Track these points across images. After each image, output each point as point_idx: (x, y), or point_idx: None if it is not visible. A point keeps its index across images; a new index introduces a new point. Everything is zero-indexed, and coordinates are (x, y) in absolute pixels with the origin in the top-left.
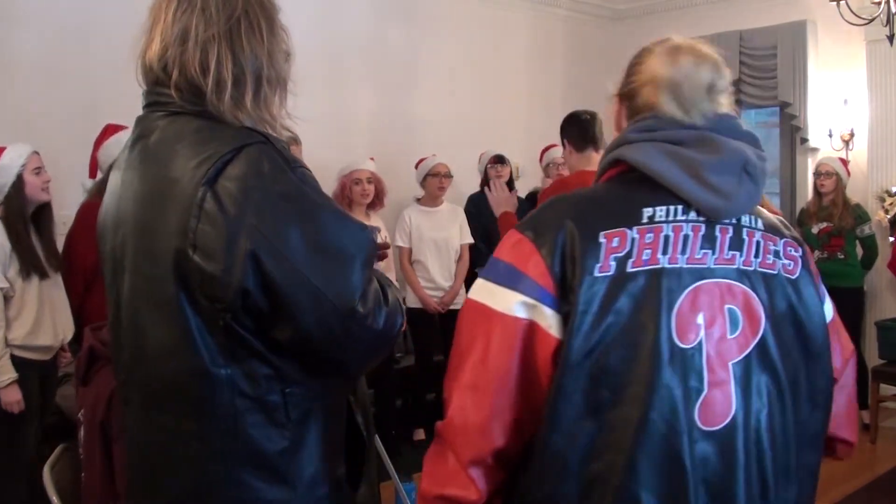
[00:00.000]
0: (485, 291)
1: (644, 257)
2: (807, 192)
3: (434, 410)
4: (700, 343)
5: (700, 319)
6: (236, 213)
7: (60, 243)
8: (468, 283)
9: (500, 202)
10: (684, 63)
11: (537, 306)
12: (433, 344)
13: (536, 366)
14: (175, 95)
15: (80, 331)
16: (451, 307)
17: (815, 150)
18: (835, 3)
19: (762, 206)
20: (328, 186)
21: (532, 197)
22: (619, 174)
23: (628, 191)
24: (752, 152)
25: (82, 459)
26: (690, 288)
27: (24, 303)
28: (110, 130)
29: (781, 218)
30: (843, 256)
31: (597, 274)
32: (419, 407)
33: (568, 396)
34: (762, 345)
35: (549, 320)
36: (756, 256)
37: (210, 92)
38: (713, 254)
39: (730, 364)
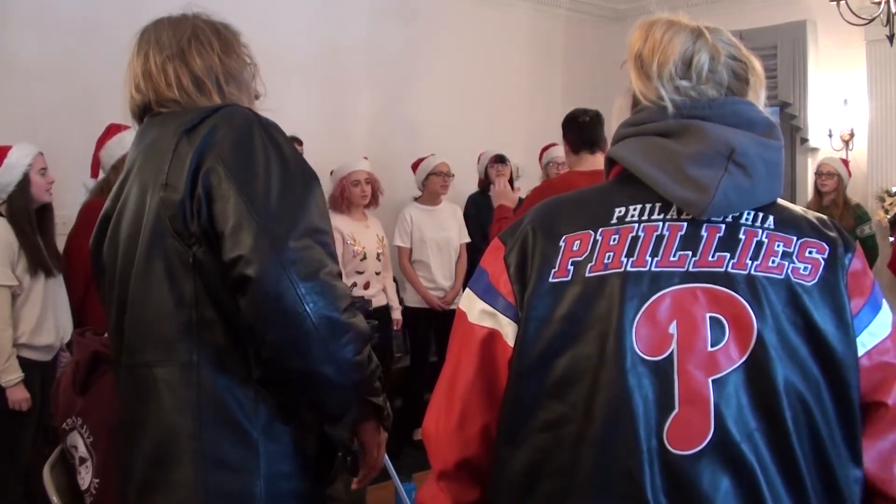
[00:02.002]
0: (465, 298)
1: (605, 260)
2: (807, 192)
3: None
4: (671, 355)
5: (672, 328)
6: (200, 146)
7: (60, 243)
8: (466, 280)
9: (499, 195)
10: (655, 33)
11: (496, 315)
12: (428, 344)
13: (500, 375)
14: (159, 110)
15: None
16: (451, 306)
17: (815, 150)
18: (835, 3)
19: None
20: (327, 187)
21: None
22: (618, 173)
23: (614, 191)
24: (748, 140)
25: (97, 466)
26: (660, 294)
27: (29, 301)
28: (112, 130)
29: (823, 217)
30: None
31: (551, 280)
32: (418, 407)
33: (518, 407)
34: (755, 360)
35: (505, 329)
36: (753, 259)
37: (181, 100)
38: (694, 256)
39: (710, 379)
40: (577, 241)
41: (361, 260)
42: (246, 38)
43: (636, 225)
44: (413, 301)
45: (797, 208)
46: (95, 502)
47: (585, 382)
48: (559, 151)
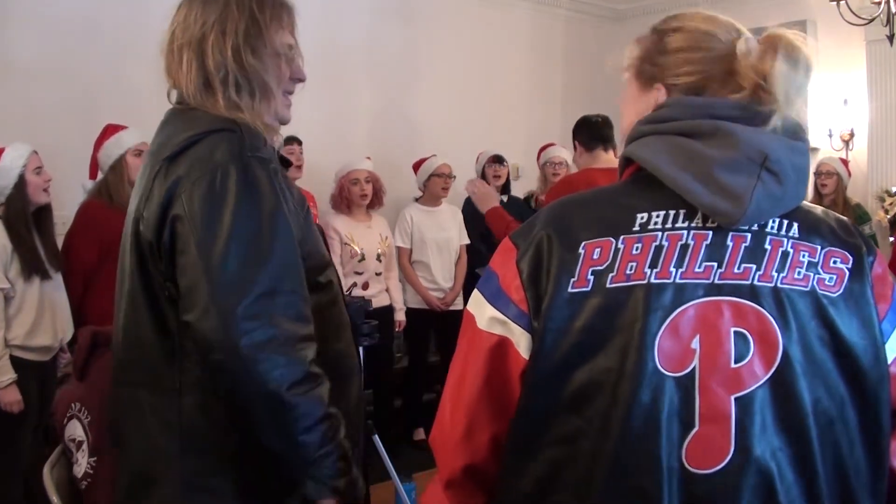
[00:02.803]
0: (473, 301)
1: (627, 271)
2: (807, 193)
3: (431, 410)
4: (693, 371)
5: (695, 344)
6: (172, 185)
7: (59, 243)
8: (468, 283)
9: (484, 198)
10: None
11: (507, 323)
12: (428, 344)
13: (511, 385)
14: (171, 98)
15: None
16: (451, 307)
17: (815, 150)
18: (835, 3)
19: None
20: (327, 187)
21: (529, 199)
22: (633, 173)
23: (631, 193)
24: (780, 146)
25: (92, 445)
26: (684, 307)
27: (24, 303)
28: (110, 131)
29: (842, 220)
30: None
31: (570, 289)
32: (417, 407)
33: (531, 420)
34: (780, 376)
35: (518, 339)
36: (779, 270)
37: (186, 93)
38: (719, 267)
39: (732, 397)
40: (598, 249)
41: (360, 261)
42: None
43: (659, 233)
44: (413, 301)
45: (818, 210)
46: (92, 483)
47: (603, 397)
48: (556, 151)
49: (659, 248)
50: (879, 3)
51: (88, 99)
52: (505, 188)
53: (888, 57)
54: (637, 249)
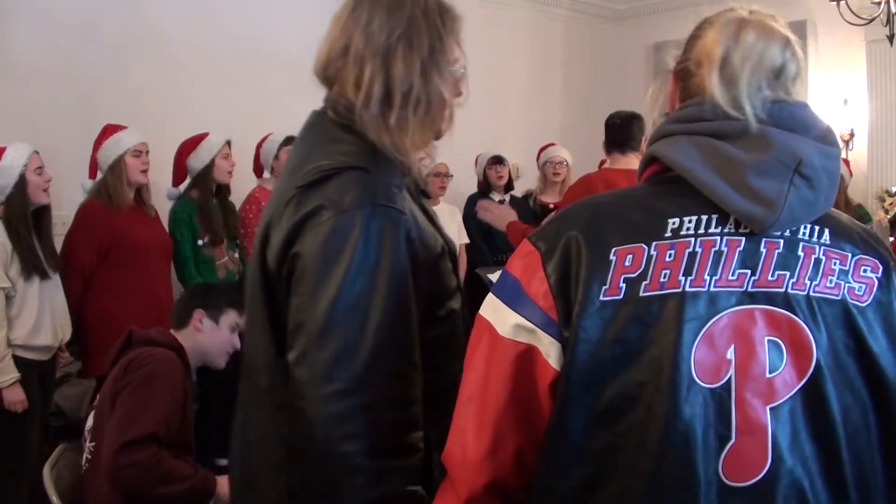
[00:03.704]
0: (489, 307)
1: (661, 279)
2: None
3: None
4: (729, 382)
5: (730, 354)
6: (300, 221)
7: (59, 244)
8: (468, 282)
9: (500, 218)
10: (748, 39)
11: (535, 332)
12: None
13: (538, 396)
14: (330, 107)
15: (77, 331)
16: None
17: None
18: (835, 3)
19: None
20: None
21: (528, 198)
22: (656, 173)
23: (658, 196)
24: (813, 150)
25: (93, 430)
26: (719, 316)
27: (25, 303)
28: (109, 131)
29: (867, 228)
30: None
31: (602, 297)
32: None
33: (563, 435)
34: (813, 385)
35: (547, 348)
36: (812, 278)
37: (359, 108)
38: (753, 275)
39: (767, 408)
40: (630, 256)
41: None
42: (247, 38)
43: (692, 239)
44: None
45: (844, 217)
46: (89, 468)
47: (637, 411)
48: (556, 151)
49: (693, 255)
50: (879, 3)
51: (88, 99)
52: (507, 187)
53: (888, 57)
54: (670, 256)
